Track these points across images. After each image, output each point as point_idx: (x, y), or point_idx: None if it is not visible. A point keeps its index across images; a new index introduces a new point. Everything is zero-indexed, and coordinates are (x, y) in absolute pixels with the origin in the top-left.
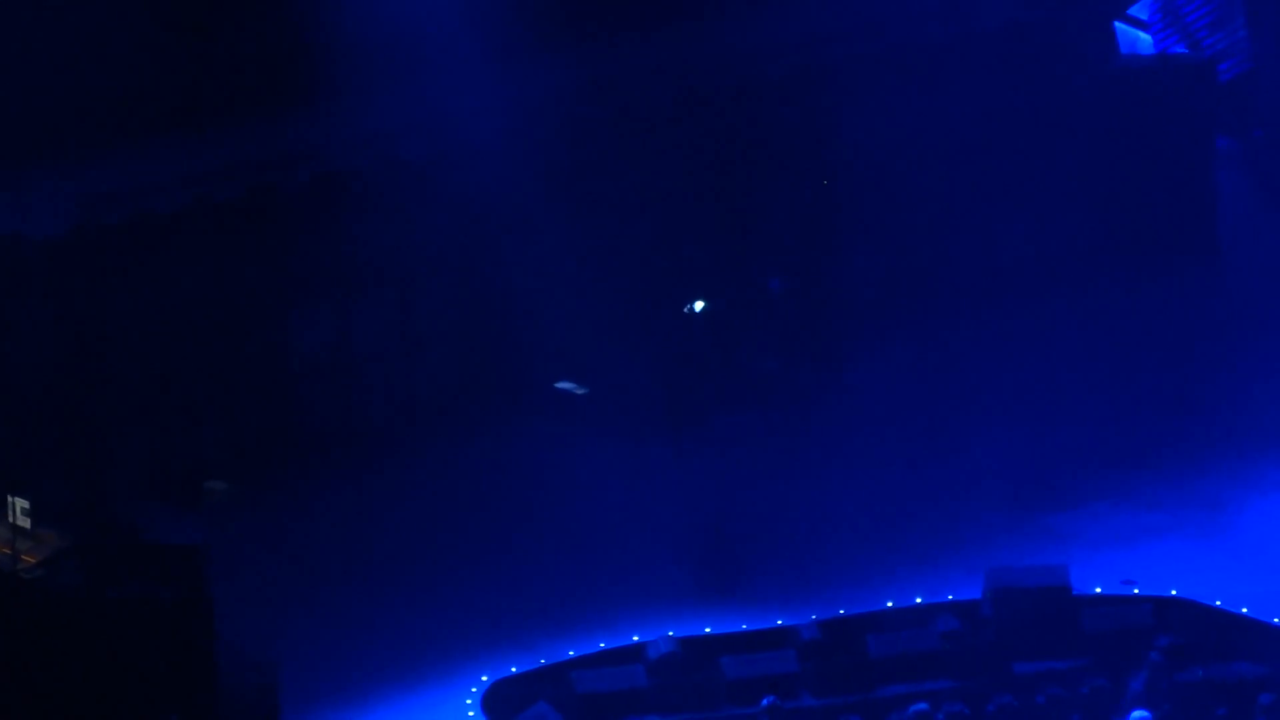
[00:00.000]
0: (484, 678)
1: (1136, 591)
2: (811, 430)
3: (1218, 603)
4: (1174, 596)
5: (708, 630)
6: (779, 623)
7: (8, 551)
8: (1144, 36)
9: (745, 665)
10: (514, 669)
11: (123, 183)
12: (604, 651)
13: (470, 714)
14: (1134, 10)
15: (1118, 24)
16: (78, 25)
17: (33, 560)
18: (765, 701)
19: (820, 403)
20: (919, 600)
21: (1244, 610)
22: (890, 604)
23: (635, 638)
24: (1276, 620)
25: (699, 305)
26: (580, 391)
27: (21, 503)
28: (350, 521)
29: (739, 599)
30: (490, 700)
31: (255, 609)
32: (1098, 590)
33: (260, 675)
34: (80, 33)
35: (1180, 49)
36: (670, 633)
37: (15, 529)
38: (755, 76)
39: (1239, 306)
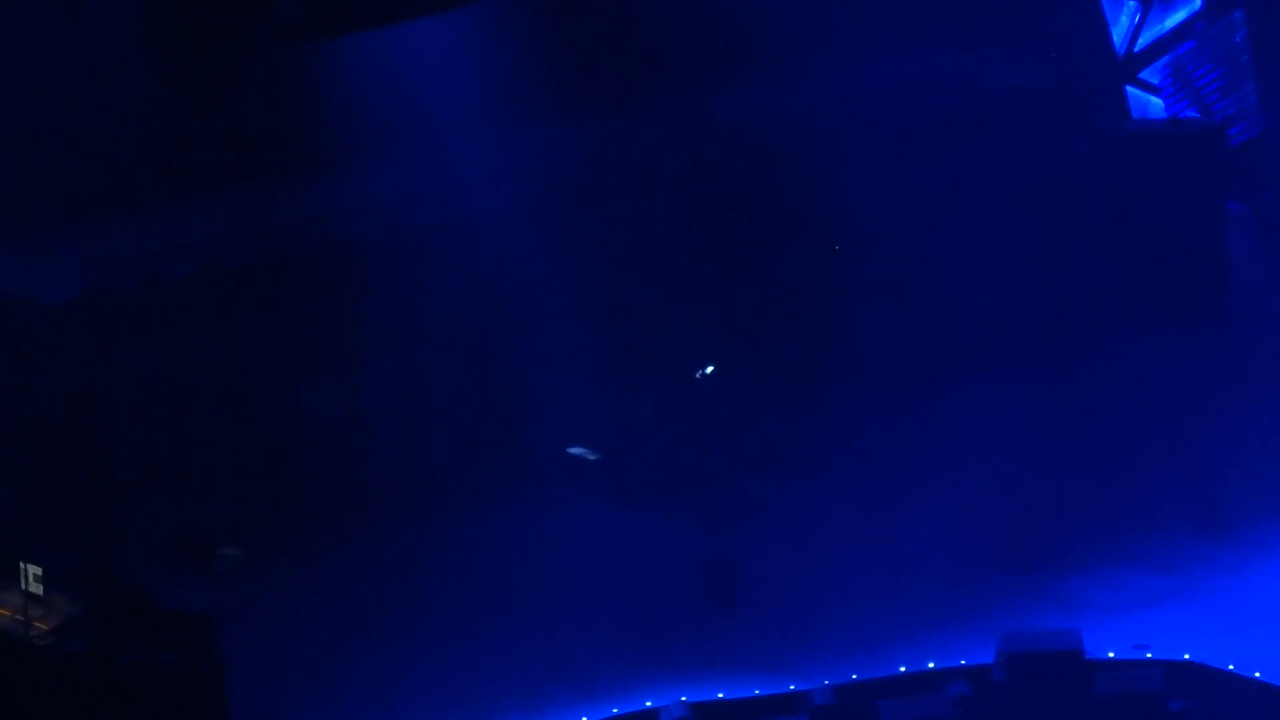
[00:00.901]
0: None
1: (1149, 656)
2: (823, 495)
3: (1230, 667)
4: (1186, 660)
5: (720, 695)
6: (791, 687)
7: (20, 618)
8: (1155, 101)
9: None
10: None
11: (134, 249)
12: (617, 717)
13: None
14: (1145, 75)
15: (1129, 88)
16: (90, 94)
17: (45, 626)
18: None
19: (832, 467)
20: (931, 665)
21: (1257, 674)
22: (903, 668)
23: (648, 703)
24: None
25: (709, 370)
26: (590, 456)
27: (34, 569)
28: (359, 587)
29: (754, 662)
30: None
31: (266, 674)
32: (1110, 654)
33: None
34: (93, 101)
35: (1191, 113)
36: (683, 698)
37: (28, 595)
38: (764, 142)
39: (1249, 369)
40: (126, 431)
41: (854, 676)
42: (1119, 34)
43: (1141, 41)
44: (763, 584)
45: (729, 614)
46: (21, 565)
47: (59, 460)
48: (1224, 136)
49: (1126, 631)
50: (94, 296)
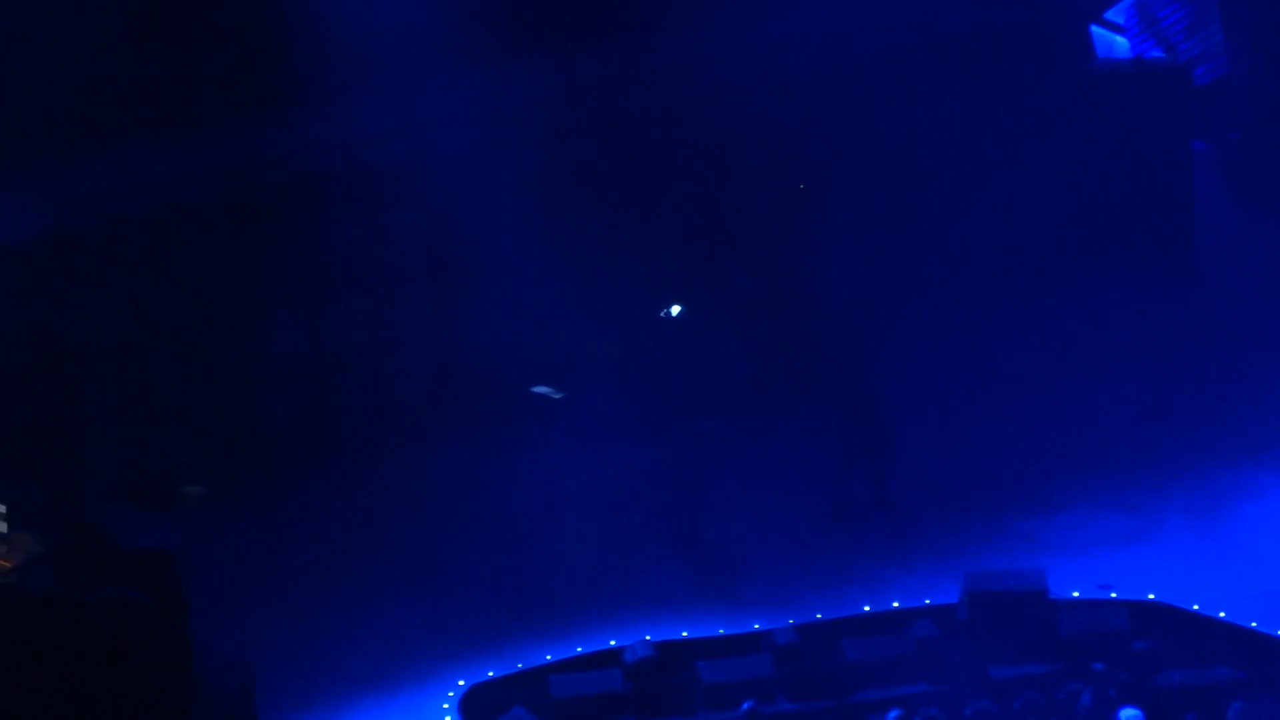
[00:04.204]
0: (461, 682)
1: (1114, 596)
2: (787, 435)
3: (1195, 607)
4: (1151, 601)
5: (685, 634)
6: (756, 627)
7: None
8: (1120, 40)
9: (721, 670)
10: (491, 673)
11: (95, 187)
12: (581, 656)
13: (447, 718)
14: (1110, 14)
15: (1094, 28)
16: (49, 28)
17: (7, 564)
18: (745, 706)
19: (796, 408)
20: (896, 605)
21: (1221, 614)
22: (867, 608)
23: (612, 642)
24: (1253, 624)
25: (675, 310)
26: (555, 396)
27: None
28: (326, 525)
29: (717, 601)
30: (467, 704)
31: (232, 612)
32: (1075, 594)
33: (237, 679)
34: (51, 35)
35: (1156, 53)
36: (647, 637)
37: None
38: (730, 81)
39: (1214, 310)
40: (89, 370)
41: (818, 616)
42: None
43: None
44: (726, 524)
45: (693, 554)
46: None
47: (21, 399)
48: (1189, 76)
49: (1091, 571)
50: (55, 235)
